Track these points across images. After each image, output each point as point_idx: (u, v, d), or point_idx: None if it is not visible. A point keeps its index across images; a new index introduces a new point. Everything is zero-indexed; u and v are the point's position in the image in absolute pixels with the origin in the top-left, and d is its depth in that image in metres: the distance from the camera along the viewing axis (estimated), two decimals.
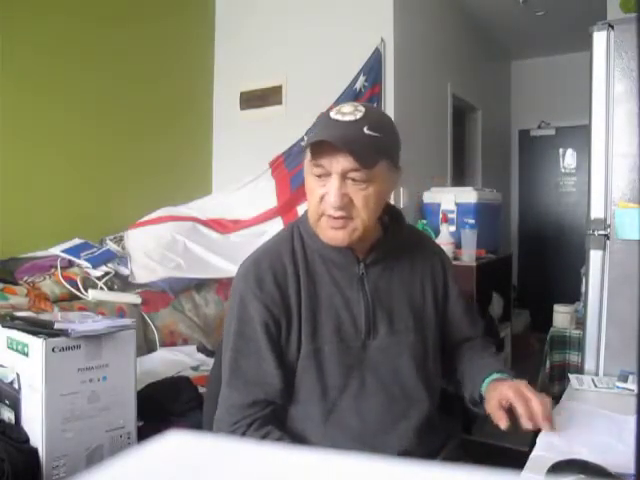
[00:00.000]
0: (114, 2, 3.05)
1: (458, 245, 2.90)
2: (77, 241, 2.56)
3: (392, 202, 1.20)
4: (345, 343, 1.05)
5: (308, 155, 1.01)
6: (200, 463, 0.30)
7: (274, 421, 1.03)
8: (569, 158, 5.23)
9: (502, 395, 0.99)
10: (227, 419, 1.02)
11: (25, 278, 2.22)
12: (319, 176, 1.00)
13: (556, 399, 1.69)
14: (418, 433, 1.07)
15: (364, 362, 1.06)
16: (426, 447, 1.09)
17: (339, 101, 3.02)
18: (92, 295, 2.23)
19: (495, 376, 1.08)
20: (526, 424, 0.94)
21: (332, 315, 1.05)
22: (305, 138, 3.03)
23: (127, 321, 1.59)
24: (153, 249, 2.61)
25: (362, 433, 1.04)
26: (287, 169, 3.05)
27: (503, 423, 0.95)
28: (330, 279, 1.07)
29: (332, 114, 1.00)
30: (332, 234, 1.02)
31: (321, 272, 1.07)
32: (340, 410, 1.04)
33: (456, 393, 1.21)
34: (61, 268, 2.29)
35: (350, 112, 0.98)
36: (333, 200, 0.97)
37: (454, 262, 2.86)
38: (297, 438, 1.04)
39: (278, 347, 1.03)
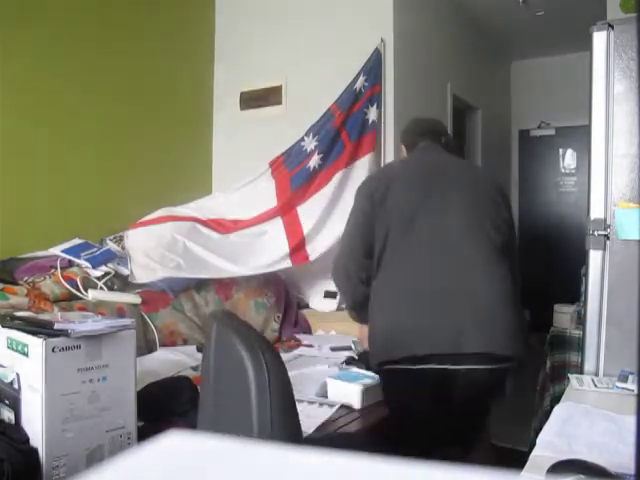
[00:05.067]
0: (114, 2, 3.05)
1: None
2: (77, 241, 2.55)
3: None
4: None
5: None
6: (200, 463, 0.30)
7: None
8: (569, 158, 5.23)
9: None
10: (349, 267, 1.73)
11: (25, 278, 2.22)
12: None
13: (556, 399, 1.69)
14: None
15: None
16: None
17: (339, 101, 3.02)
18: (92, 295, 2.23)
19: None
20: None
21: None
22: (305, 138, 3.03)
23: (127, 321, 1.59)
24: (153, 249, 2.60)
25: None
26: (287, 169, 3.04)
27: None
28: None
29: None
30: None
31: None
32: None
33: None
34: (61, 268, 2.29)
35: None
36: None
37: None
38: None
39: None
